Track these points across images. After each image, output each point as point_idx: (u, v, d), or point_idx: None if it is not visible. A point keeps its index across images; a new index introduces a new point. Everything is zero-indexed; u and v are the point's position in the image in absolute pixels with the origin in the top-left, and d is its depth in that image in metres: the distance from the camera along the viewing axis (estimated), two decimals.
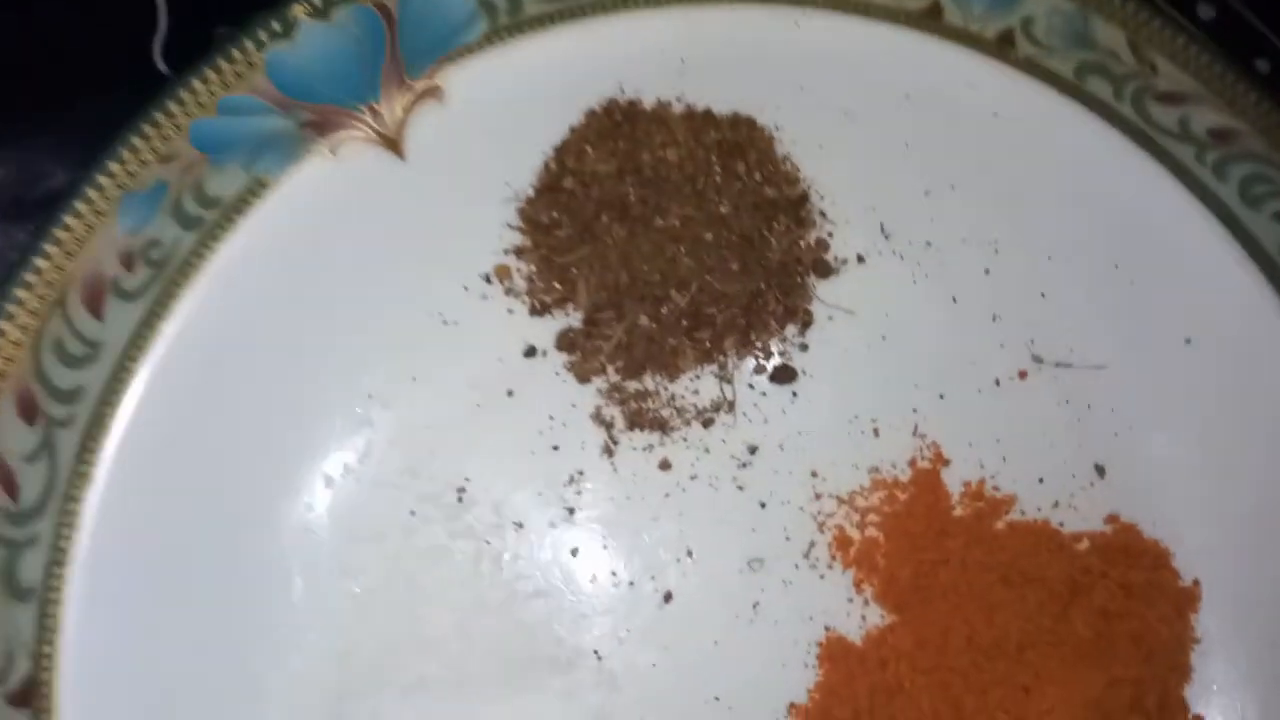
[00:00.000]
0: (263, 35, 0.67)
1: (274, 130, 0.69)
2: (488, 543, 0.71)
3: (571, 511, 0.72)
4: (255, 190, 0.69)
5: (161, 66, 0.76)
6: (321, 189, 0.70)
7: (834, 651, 0.71)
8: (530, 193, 0.74)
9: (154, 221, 0.66)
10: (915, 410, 0.74)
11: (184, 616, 0.68)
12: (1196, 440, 0.74)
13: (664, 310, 0.73)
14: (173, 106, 0.67)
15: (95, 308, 0.65)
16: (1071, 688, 0.66)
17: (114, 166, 0.66)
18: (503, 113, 0.72)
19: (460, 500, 0.72)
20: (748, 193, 0.73)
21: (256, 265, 0.69)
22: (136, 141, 0.66)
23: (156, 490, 0.68)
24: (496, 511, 0.72)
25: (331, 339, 0.72)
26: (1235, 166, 0.72)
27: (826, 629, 0.72)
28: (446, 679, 0.66)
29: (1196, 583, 0.72)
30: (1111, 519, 0.73)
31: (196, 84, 0.67)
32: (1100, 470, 0.74)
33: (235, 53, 0.67)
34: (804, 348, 0.75)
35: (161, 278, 0.67)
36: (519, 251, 0.74)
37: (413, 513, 0.71)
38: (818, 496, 0.73)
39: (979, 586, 0.71)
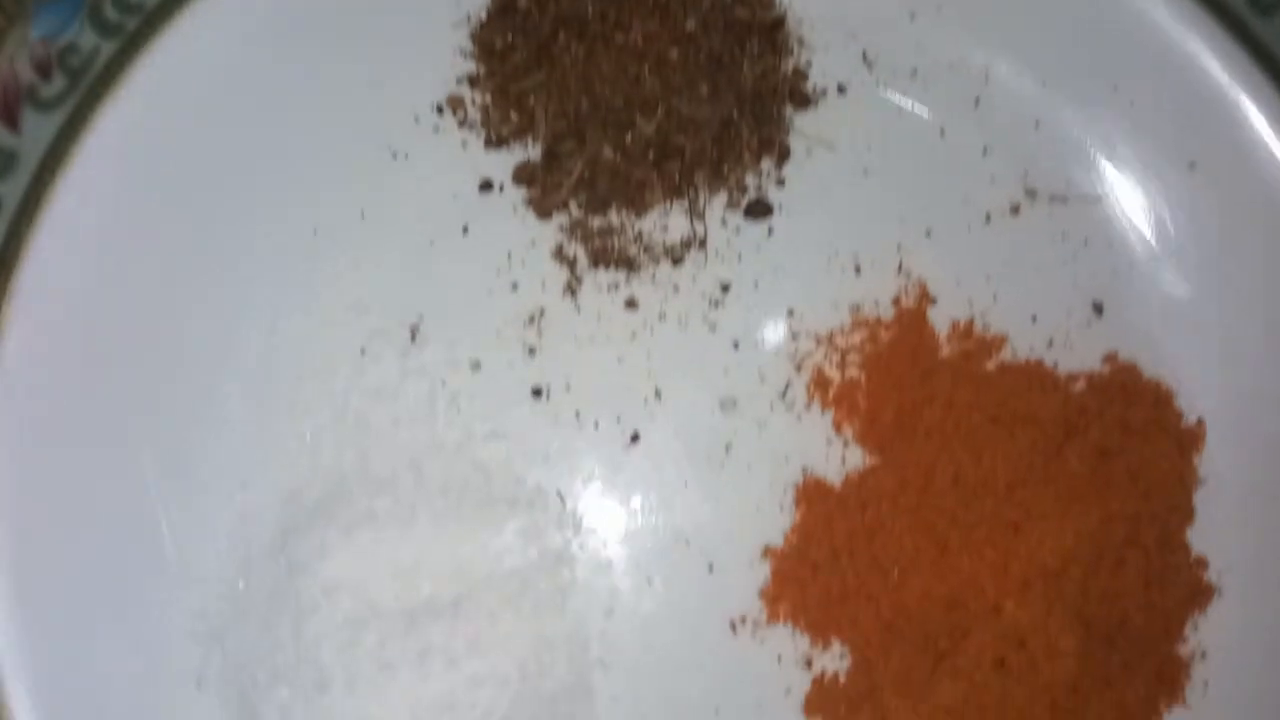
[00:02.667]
0: None
1: None
2: (443, 382, 0.69)
3: (532, 351, 0.70)
4: None
5: None
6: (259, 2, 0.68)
7: (811, 494, 0.69)
8: (483, 15, 0.71)
9: (71, 27, 0.64)
10: (900, 247, 0.72)
11: (118, 456, 0.67)
12: (1200, 274, 0.72)
13: (629, 139, 0.70)
14: None
15: (11, 117, 0.63)
16: (1064, 524, 0.64)
17: None
18: None
19: (413, 339, 0.70)
20: (717, 11, 0.70)
21: (186, 81, 0.68)
22: None
23: (80, 319, 0.66)
24: (451, 350, 0.70)
25: (273, 169, 0.71)
26: None
27: (803, 471, 0.70)
28: (397, 514, 0.64)
29: (1200, 422, 0.69)
30: (1109, 358, 0.71)
31: None
32: (1098, 308, 0.71)
33: None
34: (780, 182, 0.72)
35: (80, 87, 0.64)
36: (472, 80, 0.72)
37: (363, 351, 0.69)
38: (795, 336, 0.71)
39: (966, 427, 0.68)
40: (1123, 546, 0.65)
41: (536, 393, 0.71)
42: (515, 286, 0.72)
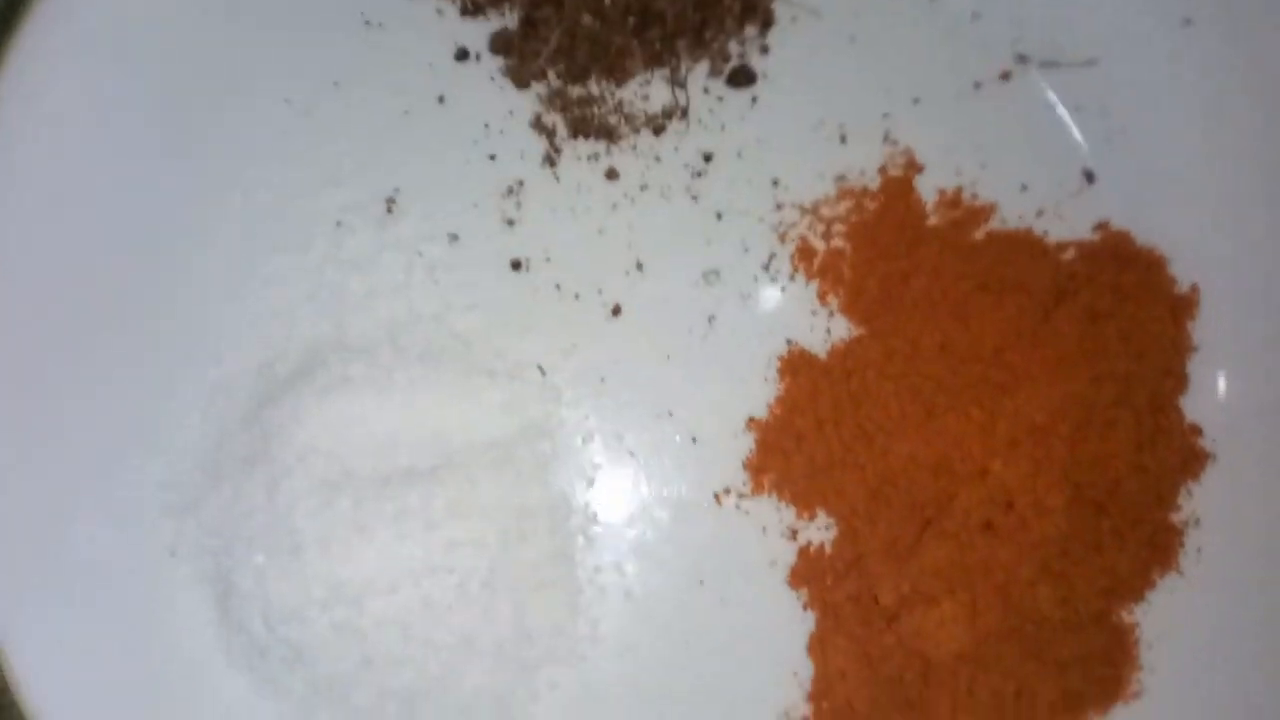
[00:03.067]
0: None
1: None
2: (420, 254, 0.68)
3: (511, 223, 0.69)
4: None
5: None
6: None
7: (796, 364, 0.68)
8: None
9: None
10: (886, 116, 0.71)
11: (90, 332, 0.67)
12: (1196, 139, 0.70)
13: (608, 5, 0.69)
14: None
15: None
16: (1052, 385, 0.63)
17: None
18: None
19: (390, 211, 0.69)
20: None
21: None
22: None
23: (47, 195, 0.66)
24: (429, 223, 0.69)
25: (244, 38, 0.69)
26: None
27: (788, 342, 0.69)
28: (373, 380, 0.63)
29: (1194, 288, 0.68)
30: (1101, 226, 0.69)
31: None
32: (1089, 176, 0.69)
33: None
34: (764, 49, 0.71)
35: None
36: None
37: (339, 224, 0.68)
38: (779, 206, 0.69)
39: (954, 295, 0.67)
40: (1112, 407, 0.63)
41: (516, 265, 0.70)
42: (493, 157, 0.71)
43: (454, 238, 0.70)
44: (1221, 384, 0.69)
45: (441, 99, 0.71)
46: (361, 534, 0.60)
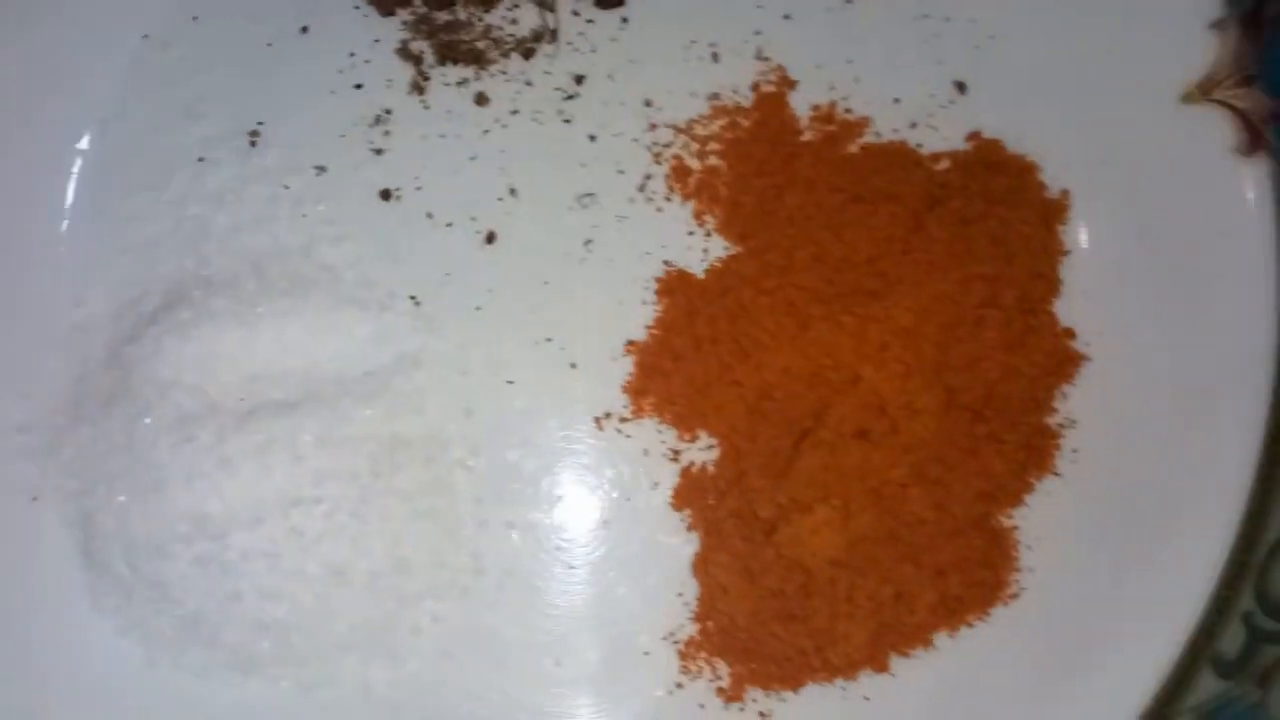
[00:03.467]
0: None
1: None
2: (285, 187, 0.67)
3: (379, 152, 0.68)
4: None
5: None
6: None
7: (674, 285, 0.67)
8: None
9: None
10: (758, 33, 0.71)
11: None
12: (1066, 46, 0.69)
13: None
14: None
15: None
16: (923, 287, 0.63)
17: None
18: None
19: (253, 144, 0.68)
20: None
21: None
22: None
23: None
24: (294, 155, 0.68)
25: None
26: None
27: (665, 264, 0.68)
28: (236, 314, 0.62)
29: (1065, 193, 0.68)
30: (973, 136, 0.69)
31: None
32: (961, 87, 0.70)
33: None
34: None
35: None
36: None
37: (201, 159, 0.66)
38: (653, 127, 0.69)
39: (828, 207, 0.67)
40: (980, 308, 0.64)
41: (385, 194, 0.69)
42: (359, 87, 0.70)
43: (321, 169, 0.69)
44: (1096, 286, 0.69)
45: (305, 29, 0.70)
46: (225, 467, 0.59)
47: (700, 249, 0.70)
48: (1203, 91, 0.67)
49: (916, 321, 0.62)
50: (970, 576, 0.64)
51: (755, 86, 0.71)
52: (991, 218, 0.66)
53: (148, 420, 0.60)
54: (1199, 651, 0.63)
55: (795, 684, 0.66)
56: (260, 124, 0.69)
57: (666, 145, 0.70)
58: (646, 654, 0.67)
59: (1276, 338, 0.66)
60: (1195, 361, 0.67)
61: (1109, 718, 0.64)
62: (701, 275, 0.69)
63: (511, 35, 0.71)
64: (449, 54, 0.70)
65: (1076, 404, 0.68)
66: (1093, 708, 0.65)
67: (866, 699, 0.67)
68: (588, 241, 0.69)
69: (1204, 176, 0.67)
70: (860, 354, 0.63)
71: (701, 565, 0.67)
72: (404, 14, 0.70)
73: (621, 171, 0.70)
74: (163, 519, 0.59)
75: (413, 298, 0.68)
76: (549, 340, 0.68)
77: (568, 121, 0.70)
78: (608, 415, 0.68)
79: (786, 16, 0.71)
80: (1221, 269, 0.67)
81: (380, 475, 0.62)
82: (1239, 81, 0.66)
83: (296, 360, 0.64)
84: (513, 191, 0.69)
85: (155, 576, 0.59)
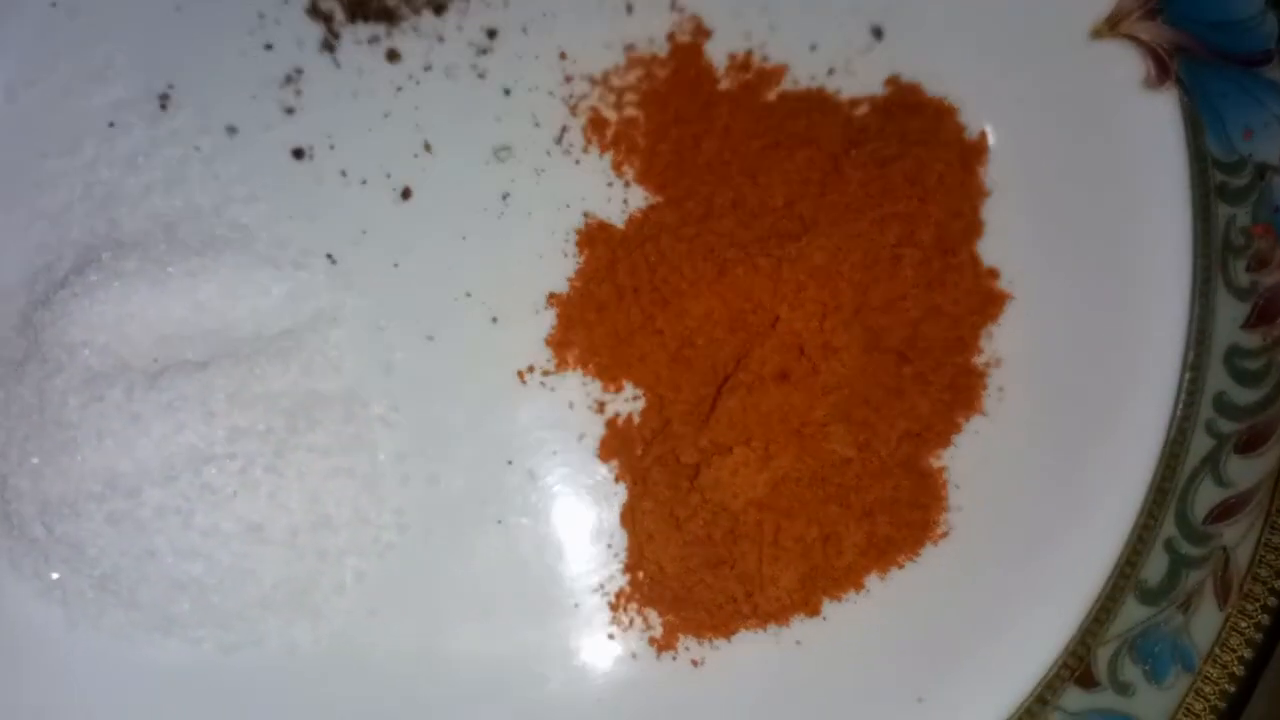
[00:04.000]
0: None
1: None
2: (196, 148, 0.67)
3: (290, 111, 0.68)
4: None
5: None
6: None
7: (594, 236, 0.67)
8: None
9: None
10: None
11: None
12: None
13: None
14: None
15: None
16: (838, 227, 0.63)
17: None
18: None
19: (164, 107, 0.67)
20: None
21: None
22: None
23: None
24: (204, 116, 0.68)
25: None
26: None
27: (585, 215, 0.68)
28: (146, 273, 0.62)
29: (984, 134, 0.68)
30: (891, 81, 0.69)
31: None
32: (877, 32, 0.70)
33: None
34: None
35: None
36: None
37: (111, 123, 0.66)
38: (568, 79, 0.69)
39: (745, 153, 0.67)
40: (897, 245, 0.64)
41: (298, 153, 0.68)
42: (269, 47, 0.69)
43: (232, 130, 0.68)
44: (1016, 226, 0.69)
45: None
46: (135, 424, 0.59)
47: (619, 199, 0.70)
48: (1111, 26, 0.67)
49: (831, 260, 0.62)
50: (899, 517, 0.64)
51: (671, 36, 0.71)
52: (908, 158, 0.66)
53: (57, 380, 0.59)
54: (1124, 580, 0.63)
55: (727, 631, 0.66)
56: (170, 87, 0.69)
57: (582, 97, 0.70)
58: (576, 606, 0.66)
59: (1192, 269, 0.66)
60: (1115, 295, 0.67)
61: (1037, 651, 0.64)
62: (621, 225, 0.69)
63: None
64: (359, 11, 0.70)
65: (1002, 343, 0.69)
66: (1022, 641, 0.65)
67: (799, 643, 0.66)
68: (505, 195, 0.69)
69: (1116, 111, 0.68)
70: (777, 295, 0.63)
71: (629, 514, 0.67)
72: None
73: (538, 124, 0.70)
74: (75, 478, 0.58)
75: (328, 256, 0.68)
76: (469, 295, 0.68)
77: (481, 76, 0.70)
78: (531, 369, 0.68)
79: None
80: (1137, 201, 0.67)
81: (297, 431, 0.62)
82: (1145, 14, 0.66)
83: (210, 320, 0.63)
84: (427, 147, 0.69)
85: (70, 537, 0.59)
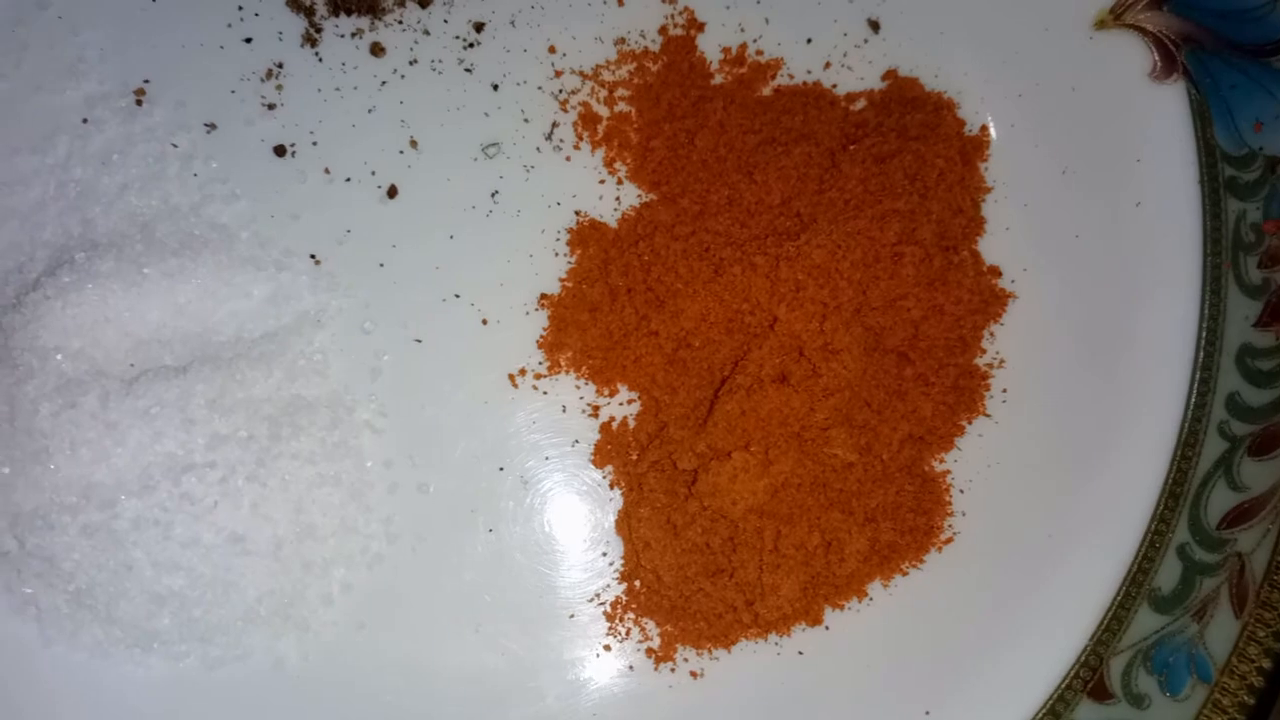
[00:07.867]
0: None
1: None
2: (174, 145, 0.65)
3: (271, 107, 0.66)
4: None
5: None
6: None
7: (586, 235, 0.66)
8: None
9: None
10: None
11: None
12: None
13: None
14: None
15: None
16: (837, 224, 0.62)
17: None
18: None
19: (139, 103, 0.65)
20: None
21: None
22: None
23: None
24: (182, 112, 0.66)
25: None
26: None
27: (576, 214, 0.66)
28: (122, 275, 0.60)
29: (985, 128, 0.67)
30: (889, 74, 0.68)
31: None
32: (874, 25, 0.69)
33: None
34: None
35: None
36: None
37: (85, 120, 0.64)
38: (558, 73, 0.67)
39: (740, 150, 0.66)
40: (897, 243, 0.63)
41: (279, 150, 0.67)
42: (249, 41, 0.68)
43: (211, 126, 0.67)
44: (1019, 223, 0.68)
45: None
46: (111, 433, 0.57)
47: (612, 197, 0.68)
48: (1115, 15, 0.66)
49: (830, 258, 0.61)
50: (902, 522, 0.63)
51: (663, 30, 0.70)
52: (906, 153, 0.65)
53: (28, 387, 0.57)
54: (1136, 588, 0.62)
55: (727, 642, 0.65)
56: (146, 82, 0.67)
57: (573, 92, 0.69)
58: (571, 616, 0.65)
59: (1201, 267, 0.65)
60: (1121, 294, 0.66)
61: (1048, 661, 0.63)
62: (614, 224, 0.68)
63: None
64: (342, 4, 0.68)
65: (1005, 344, 0.67)
66: (1032, 651, 0.64)
67: (801, 654, 0.65)
68: (494, 193, 0.68)
69: (1122, 103, 0.66)
70: (775, 295, 0.62)
71: (624, 522, 0.65)
72: None
73: (527, 120, 0.68)
74: (48, 489, 0.57)
75: (312, 256, 0.66)
76: (457, 296, 0.67)
77: (469, 70, 0.68)
78: (522, 372, 0.67)
79: None
80: (1144, 197, 0.66)
81: (280, 438, 0.60)
82: (1150, 4, 0.65)
83: (189, 323, 0.62)
84: (413, 144, 0.68)
85: (44, 550, 0.57)
